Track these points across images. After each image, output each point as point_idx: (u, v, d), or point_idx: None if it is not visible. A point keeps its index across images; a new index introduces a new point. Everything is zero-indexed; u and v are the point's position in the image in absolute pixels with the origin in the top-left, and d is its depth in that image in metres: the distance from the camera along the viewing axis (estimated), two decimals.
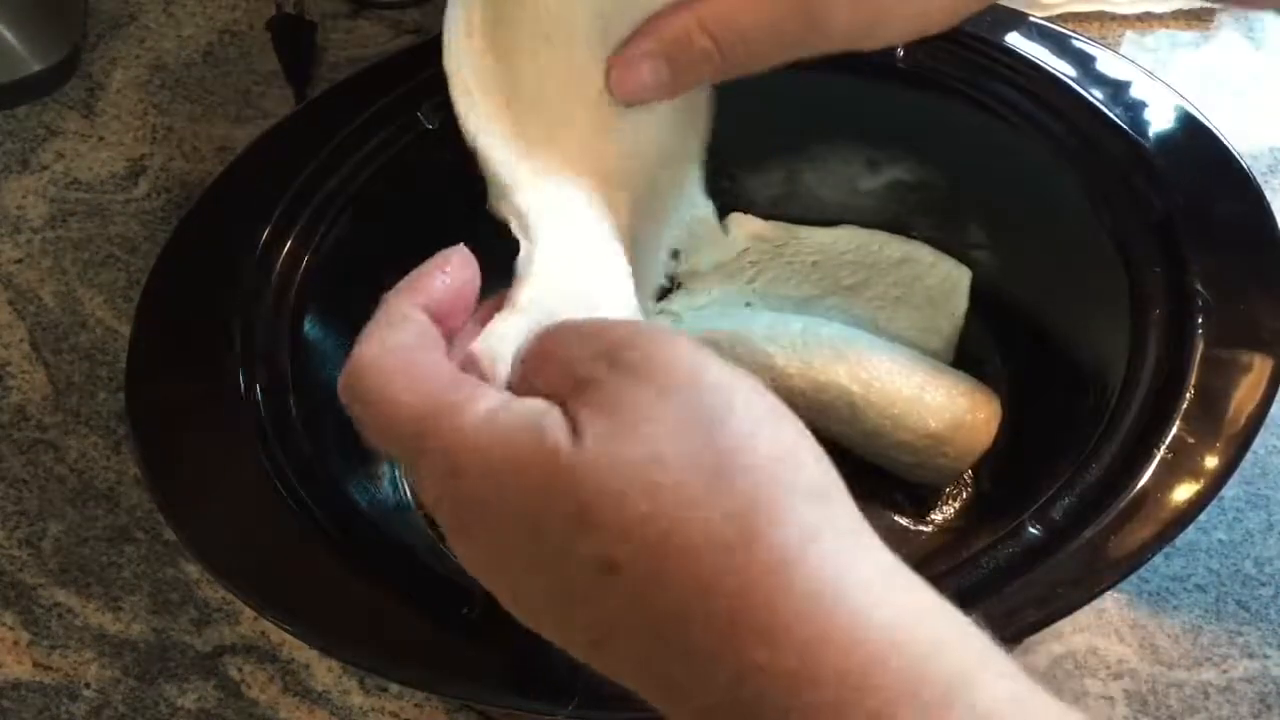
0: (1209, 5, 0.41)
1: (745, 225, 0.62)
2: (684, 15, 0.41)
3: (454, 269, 0.39)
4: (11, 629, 0.56)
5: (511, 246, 0.43)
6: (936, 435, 0.53)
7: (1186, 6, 0.74)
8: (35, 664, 0.55)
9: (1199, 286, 0.48)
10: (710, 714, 0.29)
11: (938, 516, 0.56)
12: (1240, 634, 0.54)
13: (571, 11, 0.43)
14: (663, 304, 0.59)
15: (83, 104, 0.75)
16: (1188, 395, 0.45)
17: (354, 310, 0.56)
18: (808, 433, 0.32)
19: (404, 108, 0.56)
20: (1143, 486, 0.44)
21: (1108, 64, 0.55)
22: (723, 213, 0.63)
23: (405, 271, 0.58)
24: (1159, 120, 0.53)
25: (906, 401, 0.53)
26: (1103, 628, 0.55)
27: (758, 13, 0.41)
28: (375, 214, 0.55)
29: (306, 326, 0.51)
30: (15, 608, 0.57)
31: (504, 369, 0.36)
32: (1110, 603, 0.55)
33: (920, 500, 0.56)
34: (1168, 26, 0.74)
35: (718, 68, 0.43)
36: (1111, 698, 0.53)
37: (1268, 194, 0.50)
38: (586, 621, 0.31)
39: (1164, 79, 0.53)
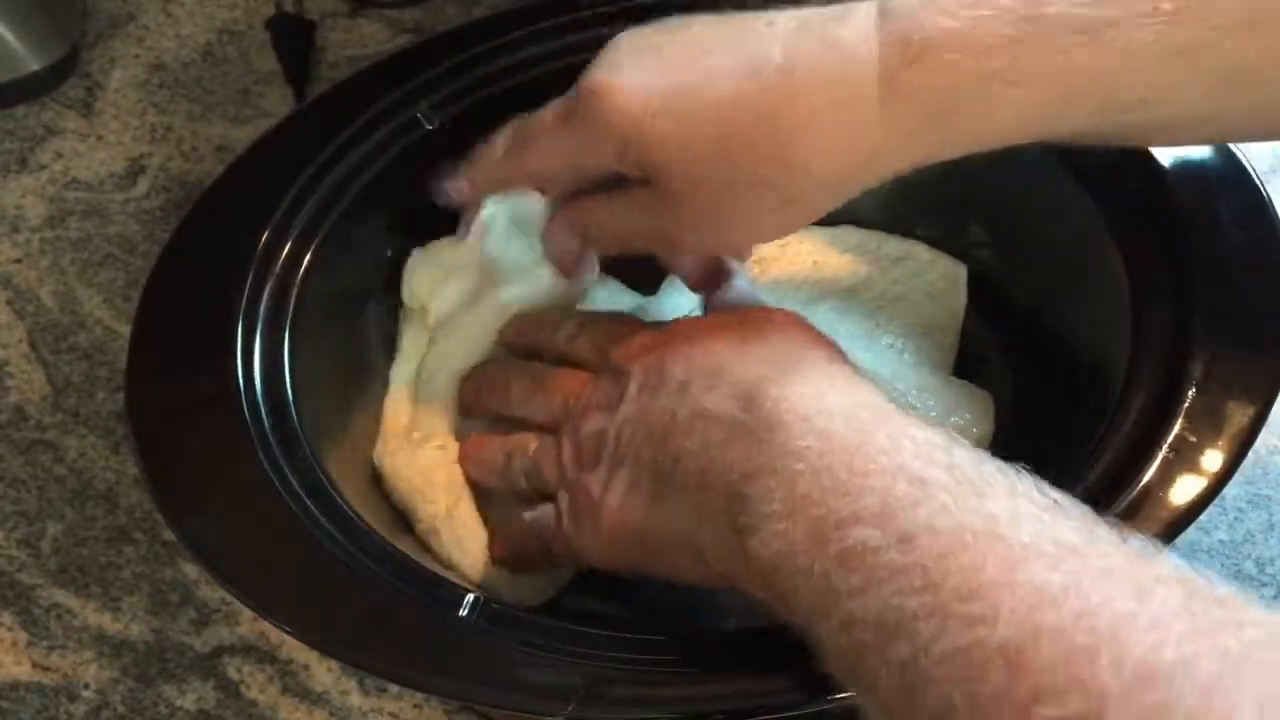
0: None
1: None
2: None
3: None
4: (10, 629, 0.56)
5: None
6: None
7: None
8: (34, 664, 0.55)
9: (1200, 285, 0.48)
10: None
11: None
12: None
13: None
14: (651, 300, 0.59)
15: (81, 103, 0.75)
16: (1189, 394, 0.45)
17: (354, 310, 0.57)
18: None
19: (404, 107, 0.56)
20: (1144, 486, 0.44)
21: None
22: None
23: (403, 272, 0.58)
24: None
25: None
26: None
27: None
28: (375, 214, 0.55)
29: (306, 327, 0.51)
30: (14, 608, 0.57)
31: None
32: None
33: None
34: None
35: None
36: None
37: (1269, 193, 0.50)
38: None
39: None
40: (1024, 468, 0.36)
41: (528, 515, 0.49)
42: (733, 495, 0.39)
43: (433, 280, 0.57)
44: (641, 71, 0.43)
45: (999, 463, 0.37)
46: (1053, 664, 0.30)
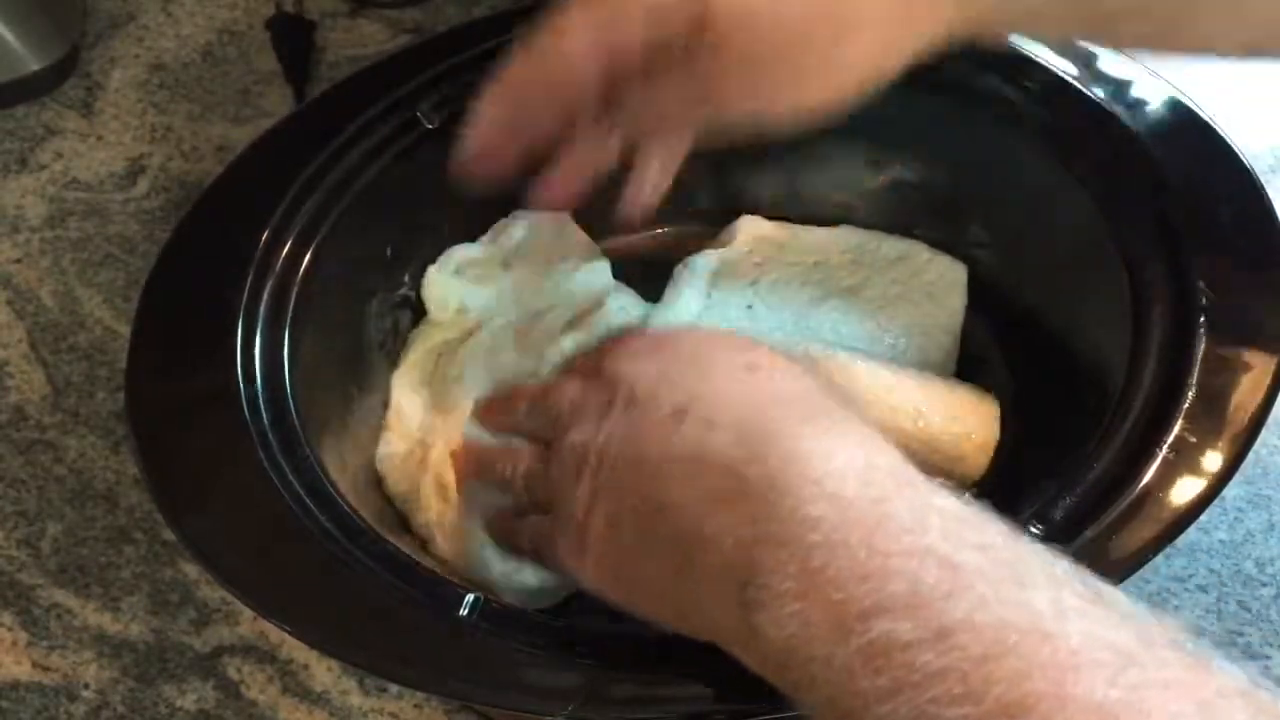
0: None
1: (753, 228, 0.62)
2: None
3: None
4: (10, 629, 0.56)
5: None
6: (933, 467, 0.53)
7: None
8: (34, 664, 0.55)
9: (1200, 285, 0.48)
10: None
11: None
12: (1241, 634, 0.54)
13: None
14: (657, 307, 0.59)
15: (81, 103, 0.75)
16: (1189, 394, 0.45)
17: (354, 310, 0.57)
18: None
19: (404, 107, 0.56)
20: (1144, 486, 0.44)
21: (1109, 62, 0.55)
22: (726, 214, 0.63)
23: (403, 272, 0.58)
24: (1160, 118, 0.53)
25: (903, 435, 0.53)
26: None
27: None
28: (375, 214, 0.55)
29: (306, 326, 0.51)
30: (14, 608, 0.57)
31: None
32: None
33: None
34: None
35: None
36: None
37: (1269, 193, 0.50)
38: None
39: (1165, 77, 0.53)
40: (1060, 548, 0.34)
41: (527, 520, 0.48)
42: (737, 564, 0.35)
43: (458, 288, 0.58)
44: None
45: (1032, 541, 0.34)
46: None
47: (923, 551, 0.32)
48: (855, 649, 0.31)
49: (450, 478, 0.54)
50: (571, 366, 0.50)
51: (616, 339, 0.47)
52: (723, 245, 0.62)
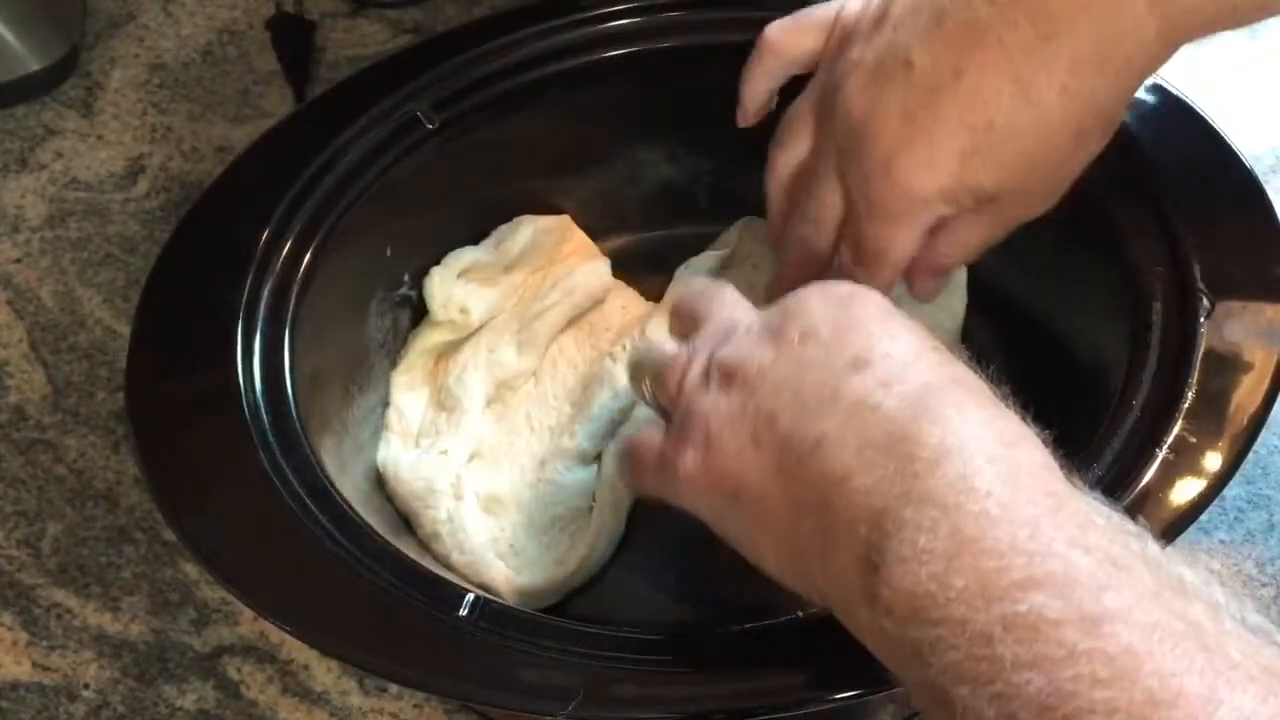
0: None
1: (753, 228, 0.62)
2: None
3: None
4: (10, 629, 0.56)
5: None
6: None
7: None
8: (34, 664, 0.55)
9: (1200, 285, 0.48)
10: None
11: None
12: None
13: None
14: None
15: (81, 103, 0.75)
16: (1189, 395, 0.45)
17: (354, 310, 0.57)
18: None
19: (404, 107, 0.56)
20: (1144, 486, 0.44)
21: None
22: (726, 214, 0.63)
23: (404, 272, 0.58)
24: (1160, 119, 0.53)
25: None
26: None
27: None
28: (376, 214, 0.55)
29: (306, 327, 0.51)
30: (14, 608, 0.57)
31: None
32: None
33: None
34: None
35: None
36: None
37: (1269, 193, 0.50)
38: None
39: (1165, 78, 0.53)
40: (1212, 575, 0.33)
41: (642, 430, 0.45)
42: (880, 511, 0.35)
43: (461, 290, 0.58)
44: None
45: (1189, 565, 0.33)
46: None
47: (1087, 545, 0.32)
48: (998, 616, 0.31)
49: (465, 474, 0.54)
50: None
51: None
52: (723, 246, 0.62)
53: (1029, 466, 0.35)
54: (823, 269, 0.52)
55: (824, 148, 0.50)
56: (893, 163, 0.46)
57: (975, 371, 0.39)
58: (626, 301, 0.61)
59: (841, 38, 0.49)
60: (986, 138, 0.44)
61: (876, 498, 0.35)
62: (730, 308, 0.45)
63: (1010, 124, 0.44)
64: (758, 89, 0.54)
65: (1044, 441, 0.37)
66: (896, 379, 0.37)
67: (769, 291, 0.54)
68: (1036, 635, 0.30)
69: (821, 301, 0.41)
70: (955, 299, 0.59)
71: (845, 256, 0.51)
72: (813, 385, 0.38)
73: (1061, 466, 0.36)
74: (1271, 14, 0.43)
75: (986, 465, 0.34)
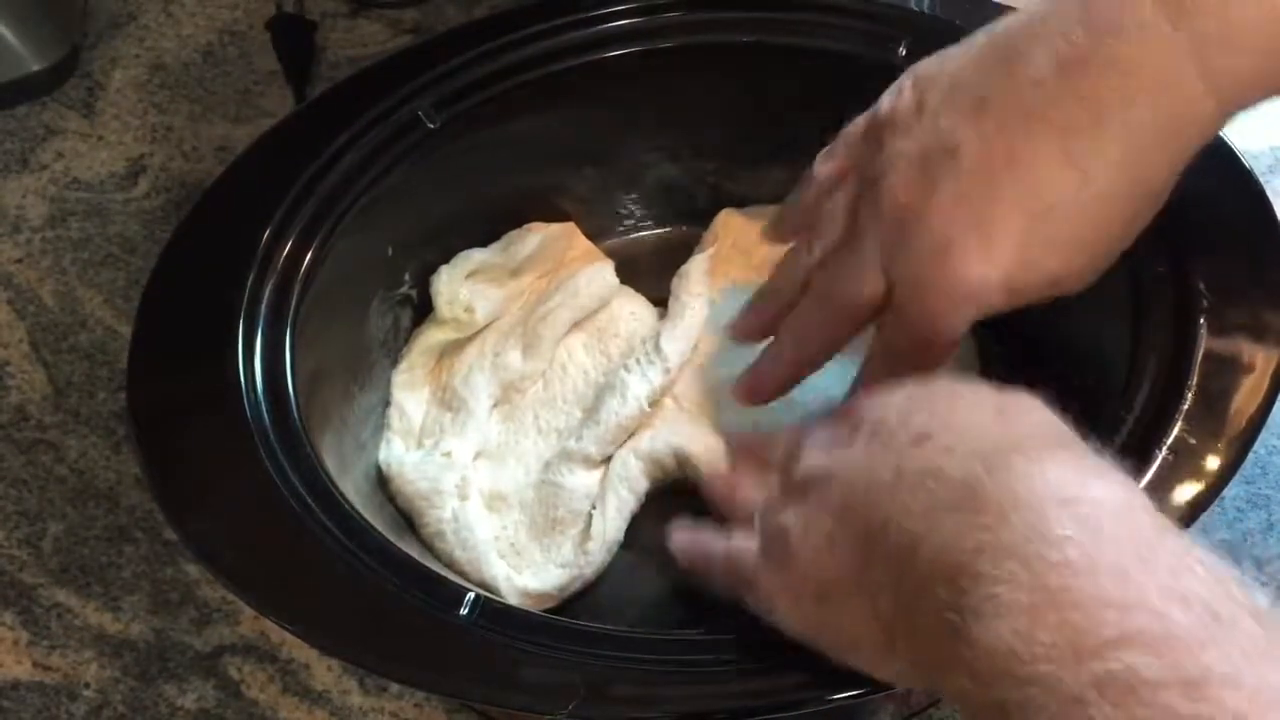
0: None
1: (732, 220, 0.62)
2: None
3: None
4: (11, 629, 0.56)
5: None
6: None
7: None
8: (35, 664, 0.55)
9: (1200, 286, 0.48)
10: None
11: None
12: None
13: None
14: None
15: (82, 103, 0.75)
16: (1189, 396, 0.45)
17: (355, 310, 0.57)
18: None
19: (404, 107, 0.56)
20: (1144, 487, 0.44)
21: None
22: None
23: (404, 271, 0.59)
24: None
25: None
26: None
27: None
28: (377, 213, 0.55)
29: (307, 326, 0.51)
30: (15, 607, 0.57)
31: None
32: None
33: None
34: None
35: None
36: None
37: (1269, 193, 0.50)
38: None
39: None
40: None
41: (729, 542, 0.44)
42: (954, 569, 0.33)
43: (467, 290, 0.58)
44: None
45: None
46: None
47: (1184, 596, 0.30)
48: (1090, 677, 0.29)
49: (470, 474, 0.54)
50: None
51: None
52: (709, 245, 0.62)
53: (1113, 507, 0.33)
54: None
55: (862, 243, 0.47)
56: (949, 251, 0.44)
57: (1059, 421, 0.38)
58: (635, 308, 0.61)
59: (876, 134, 0.47)
60: (1044, 222, 0.43)
61: (950, 555, 0.33)
62: (793, 433, 0.45)
63: (1068, 207, 0.43)
64: (796, 220, 0.53)
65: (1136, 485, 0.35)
66: (960, 443, 0.36)
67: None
68: (1134, 698, 0.28)
69: (885, 396, 0.41)
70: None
71: (883, 343, 0.48)
72: (878, 471, 0.38)
73: (1159, 509, 0.34)
74: None
75: (1061, 510, 0.32)
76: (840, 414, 0.43)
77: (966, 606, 0.32)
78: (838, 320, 0.48)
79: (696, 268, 0.61)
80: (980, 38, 0.45)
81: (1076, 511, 0.32)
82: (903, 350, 0.47)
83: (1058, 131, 0.42)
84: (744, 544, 0.43)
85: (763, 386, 0.51)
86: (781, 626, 0.41)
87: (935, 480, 0.35)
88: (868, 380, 0.48)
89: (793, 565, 0.40)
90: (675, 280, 0.61)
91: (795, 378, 0.50)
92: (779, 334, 0.51)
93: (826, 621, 0.39)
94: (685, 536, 0.47)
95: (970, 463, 0.35)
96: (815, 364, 0.50)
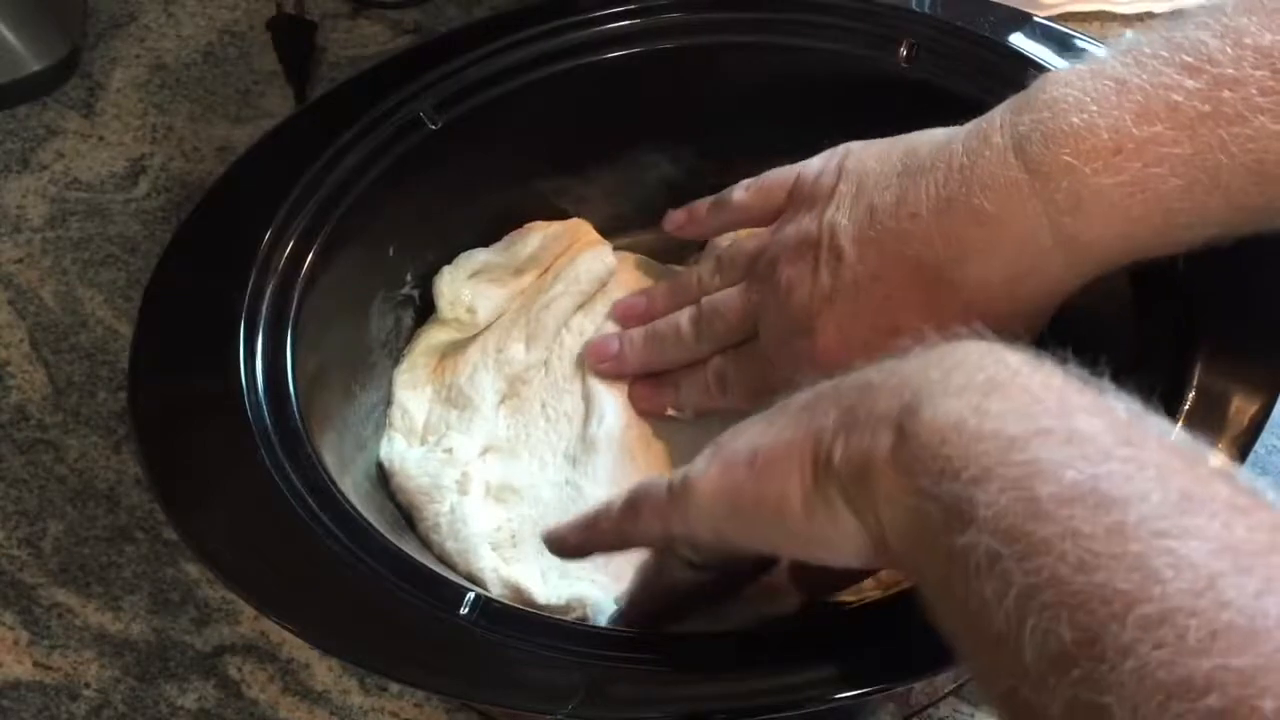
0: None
1: None
2: None
3: None
4: (11, 629, 0.56)
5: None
6: None
7: (1184, 6, 0.73)
8: (35, 664, 0.55)
9: (1200, 286, 0.48)
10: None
11: None
12: None
13: None
14: None
15: (83, 104, 0.75)
16: (1190, 396, 0.45)
17: (356, 310, 0.57)
18: None
19: (405, 108, 0.56)
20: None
21: None
22: None
23: (406, 271, 0.59)
24: None
25: None
26: None
27: None
28: (378, 214, 0.55)
29: (308, 326, 0.51)
30: (15, 607, 0.57)
31: None
32: None
33: None
34: None
35: None
36: None
37: None
38: None
39: None
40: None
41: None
42: (903, 385, 0.36)
43: (470, 290, 0.58)
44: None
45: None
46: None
47: (1108, 407, 0.33)
48: (1035, 429, 0.32)
49: (473, 470, 0.54)
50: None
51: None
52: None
53: (1049, 364, 0.35)
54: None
55: (747, 295, 0.53)
56: (808, 335, 0.49)
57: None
58: (632, 288, 0.62)
59: (794, 196, 0.52)
60: (891, 340, 0.43)
61: (898, 379, 0.36)
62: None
63: (919, 331, 0.43)
64: (705, 229, 0.59)
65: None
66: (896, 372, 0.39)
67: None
68: (1071, 442, 0.31)
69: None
70: None
71: (717, 375, 0.55)
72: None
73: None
74: (1178, 249, 0.45)
75: (1003, 349, 0.35)
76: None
77: (914, 402, 0.34)
78: (701, 334, 0.55)
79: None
80: (902, 144, 0.50)
81: (1010, 353, 0.35)
82: (744, 395, 0.54)
83: (920, 268, 0.47)
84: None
85: (620, 364, 0.58)
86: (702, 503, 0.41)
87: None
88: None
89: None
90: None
91: (647, 366, 0.57)
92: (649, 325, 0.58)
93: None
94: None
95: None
96: (667, 364, 0.57)
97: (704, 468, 0.40)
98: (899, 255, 0.47)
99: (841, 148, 0.52)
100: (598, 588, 0.51)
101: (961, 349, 0.36)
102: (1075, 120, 0.43)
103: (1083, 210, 0.43)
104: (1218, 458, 0.34)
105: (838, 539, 0.37)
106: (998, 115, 0.46)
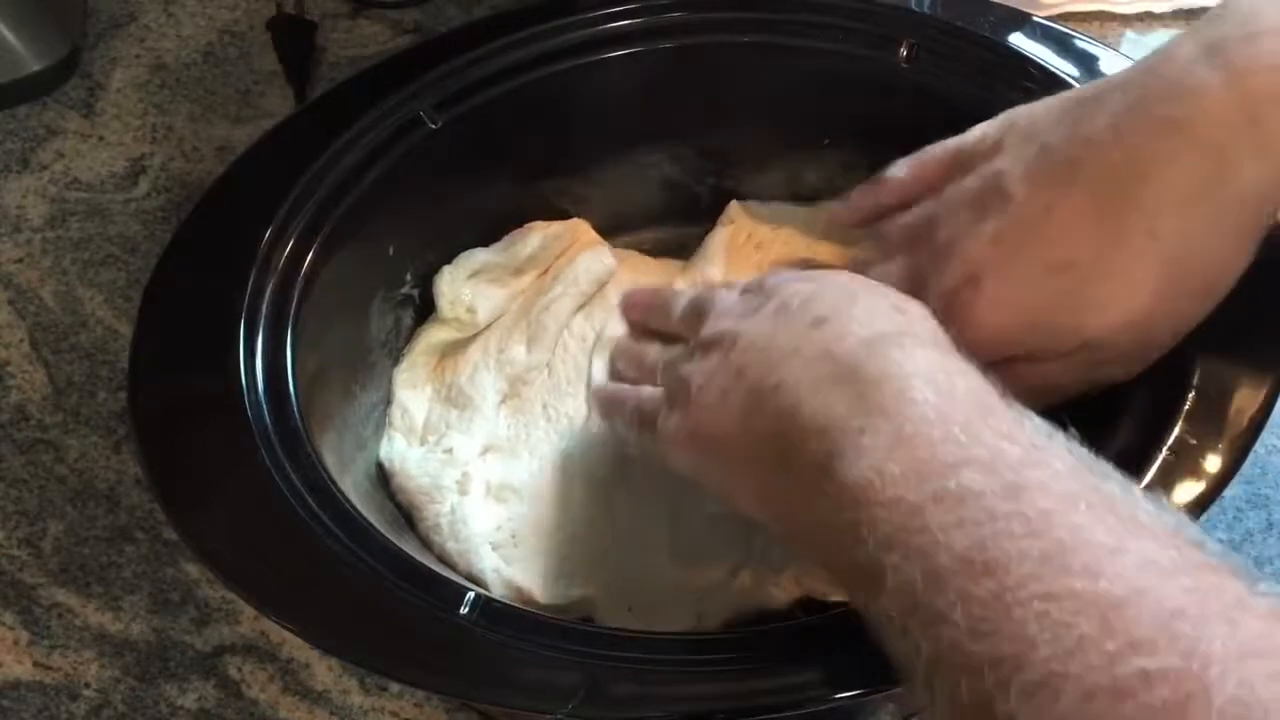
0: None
1: (750, 209, 0.63)
2: None
3: None
4: (11, 629, 0.56)
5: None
6: None
7: (1186, 6, 0.74)
8: (35, 664, 0.55)
9: None
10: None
11: None
12: None
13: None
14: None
15: (83, 104, 0.75)
16: (1189, 396, 0.45)
17: (356, 309, 0.57)
18: None
19: (405, 108, 0.56)
20: (1144, 487, 0.44)
21: (1110, 64, 0.55)
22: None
23: (405, 271, 0.59)
24: None
25: None
26: None
27: None
28: (377, 213, 0.55)
29: (308, 326, 0.51)
30: (15, 607, 0.57)
31: None
32: None
33: None
34: (1167, 26, 0.74)
35: None
36: None
37: None
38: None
39: None
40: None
41: (639, 392, 0.50)
42: (828, 423, 0.38)
43: (470, 290, 0.59)
44: None
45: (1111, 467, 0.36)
46: (1154, 620, 0.29)
47: (1012, 435, 0.35)
48: (929, 491, 0.34)
49: (473, 470, 0.55)
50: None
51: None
52: (723, 226, 0.63)
53: (966, 387, 0.38)
54: None
55: (916, 265, 0.49)
56: (975, 285, 0.46)
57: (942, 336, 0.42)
58: (631, 274, 0.62)
59: (957, 162, 0.49)
60: (1064, 277, 0.44)
61: (826, 414, 0.38)
62: (717, 291, 0.50)
63: (1092, 266, 0.43)
64: (864, 205, 0.54)
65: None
66: (852, 332, 0.40)
67: None
68: (961, 504, 0.33)
69: (796, 279, 0.45)
70: None
71: None
72: (778, 342, 0.42)
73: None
74: None
75: (924, 383, 0.37)
76: (751, 285, 0.47)
77: (834, 451, 0.37)
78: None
79: (716, 241, 0.61)
80: (1072, 91, 0.47)
81: (935, 383, 0.37)
82: None
83: (1096, 188, 0.43)
84: (651, 393, 0.49)
85: None
86: (675, 468, 0.46)
87: (824, 360, 0.40)
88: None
89: (690, 412, 0.44)
90: (695, 256, 0.62)
91: None
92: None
93: (714, 467, 0.44)
94: (605, 388, 0.54)
95: (857, 348, 0.40)
96: None
97: (669, 418, 0.46)
98: (1072, 181, 0.44)
99: (1004, 114, 0.49)
100: (601, 589, 0.51)
101: (885, 384, 0.38)
102: (1273, 20, 0.41)
103: None
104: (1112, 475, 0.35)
105: None
106: (1181, 36, 0.43)
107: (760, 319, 0.44)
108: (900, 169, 0.52)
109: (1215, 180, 0.42)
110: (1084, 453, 0.36)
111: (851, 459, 0.36)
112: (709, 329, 0.46)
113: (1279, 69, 0.40)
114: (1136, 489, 0.34)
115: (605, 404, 0.53)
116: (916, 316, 0.42)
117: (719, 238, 0.62)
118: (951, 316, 0.45)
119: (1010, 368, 0.45)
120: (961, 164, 0.49)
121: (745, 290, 0.47)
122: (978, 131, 0.49)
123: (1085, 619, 0.30)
